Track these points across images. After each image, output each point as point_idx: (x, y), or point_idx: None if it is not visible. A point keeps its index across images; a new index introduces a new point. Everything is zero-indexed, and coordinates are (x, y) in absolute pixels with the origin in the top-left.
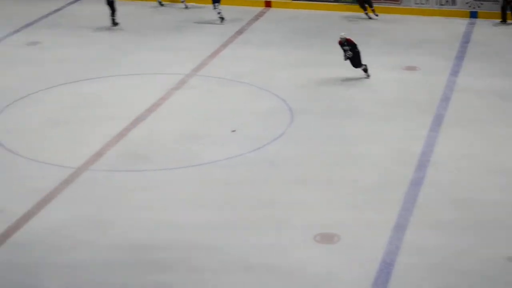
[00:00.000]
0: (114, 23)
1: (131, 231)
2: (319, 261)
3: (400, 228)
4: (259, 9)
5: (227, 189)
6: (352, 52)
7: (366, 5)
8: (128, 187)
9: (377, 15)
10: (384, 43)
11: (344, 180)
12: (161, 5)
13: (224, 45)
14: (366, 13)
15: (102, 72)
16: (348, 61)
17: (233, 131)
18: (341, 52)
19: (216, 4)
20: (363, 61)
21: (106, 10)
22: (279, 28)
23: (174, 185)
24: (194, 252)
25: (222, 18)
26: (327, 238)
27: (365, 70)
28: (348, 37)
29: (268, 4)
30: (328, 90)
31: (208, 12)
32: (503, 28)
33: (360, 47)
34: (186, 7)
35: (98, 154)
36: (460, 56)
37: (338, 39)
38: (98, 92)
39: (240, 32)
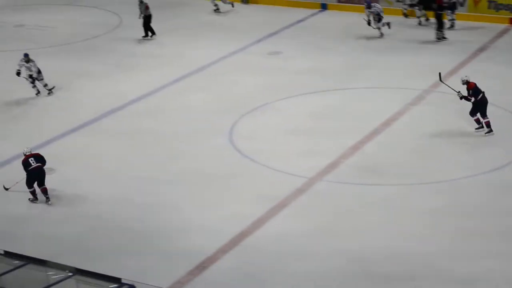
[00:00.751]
0: (441, 38)
1: (359, 243)
2: None
3: None
4: (503, 26)
5: (462, 210)
6: (469, 97)
7: None
8: (359, 200)
9: None
10: None
11: None
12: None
13: (465, 62)
14: None
15: (340, 84)
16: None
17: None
18: None
19: (450, 11)
20: None
21: (348, 21)
22: None
23: (407, 201)
24: (420, 270)
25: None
26: None
27: (477, 122)
28: (471, 81)
29: None
30: None
31: (452, 29)
32: None
33: None
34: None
35: (332, 165)
36: None
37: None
38: (335, 104)
39: (482, 49)
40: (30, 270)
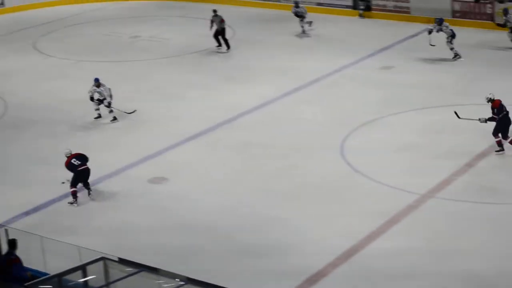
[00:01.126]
0: None
1: (473, 262)
2: None
3: None
4: None
5: None
6: (494, 116)
7: None
8: (472, 218)
9: None
10: None
11: None
12: None
13: None
14: None
15: (453, 99)
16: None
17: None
18: None
19: None
20: None
21: (463, 36)
22: None
23: None
24: None
25: None
26: None
27: (499, 143)
28: (496, 99)
29: None
30: None
31: None
32: None
33: None
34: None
35: (445, 183)
36: None
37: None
38: (448, 119)
39: None
40: (143, 278)
